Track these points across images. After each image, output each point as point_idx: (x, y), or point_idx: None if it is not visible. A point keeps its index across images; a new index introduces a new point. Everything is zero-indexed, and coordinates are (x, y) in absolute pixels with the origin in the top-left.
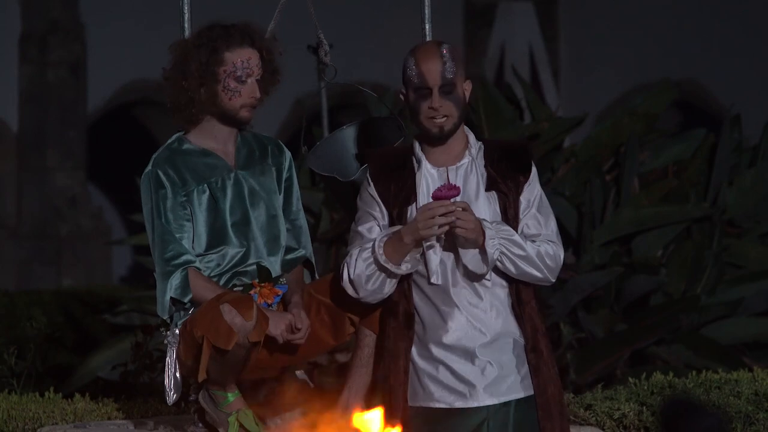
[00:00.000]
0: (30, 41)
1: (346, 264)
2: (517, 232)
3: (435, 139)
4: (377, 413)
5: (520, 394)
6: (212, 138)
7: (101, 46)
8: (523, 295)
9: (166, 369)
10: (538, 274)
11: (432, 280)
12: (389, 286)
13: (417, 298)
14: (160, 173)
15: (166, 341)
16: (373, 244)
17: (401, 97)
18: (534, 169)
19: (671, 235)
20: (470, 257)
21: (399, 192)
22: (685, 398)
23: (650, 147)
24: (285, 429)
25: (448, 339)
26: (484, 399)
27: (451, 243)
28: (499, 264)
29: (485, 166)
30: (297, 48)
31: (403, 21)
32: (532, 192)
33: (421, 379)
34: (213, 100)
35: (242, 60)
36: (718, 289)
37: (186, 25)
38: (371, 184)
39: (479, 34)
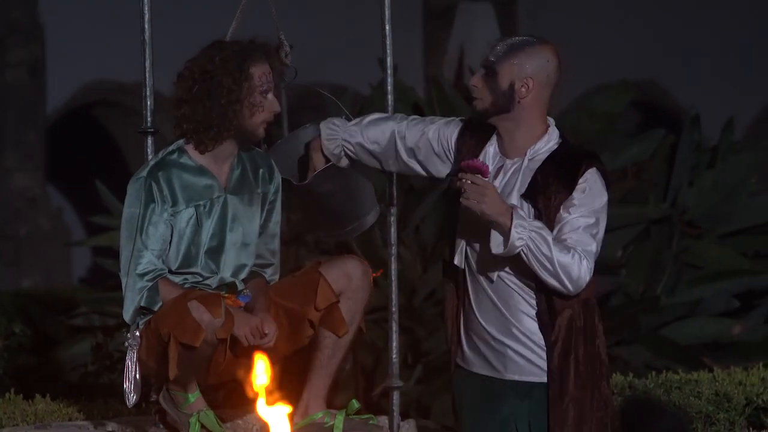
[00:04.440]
0: None
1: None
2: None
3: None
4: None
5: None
6: (213, 156)
7: (60, 47)
8: (556, 303)
9: (126, 371)
10: (552, 280)
11: (455, 262)
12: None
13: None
14: (154, 186)
15: (126, 343)
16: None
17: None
18: (585, 184)
19: (630, 236)
20: (495, 239)
21: (467, 155)
22: (646, 399)
23: (609, 148)
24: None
25: (477, 318)
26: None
27: (482, 230)
28: (523, 256)
29: (536, 171)
30: None
31: (362, 22)
32: (579, 205)
33: (464, 345)
34: (242, 115)
35: (265, 74)
36: (677, 289)
37: (146, 26)
38: (462, 128)
39: (439, 34)
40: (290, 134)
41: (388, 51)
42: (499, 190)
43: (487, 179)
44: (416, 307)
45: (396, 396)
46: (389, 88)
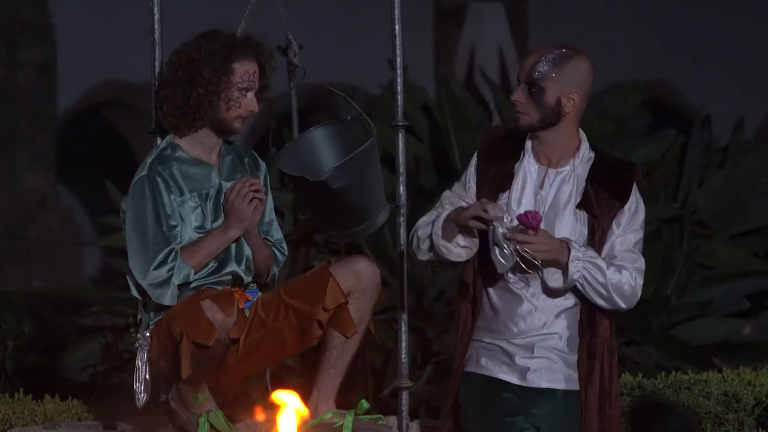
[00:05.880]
0: None
1: (417, 227)
2: (600, 255)
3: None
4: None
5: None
6: (201, 146)
7: (71, 47)
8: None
9: (136, 372)
10: (605, 304)
11: (498, 270)
12: (441, 253)
13: (492, 282)
14: (159, 180)
15: (137, 344)
16: (439, 213)
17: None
18: (635, 197)
19: None
20: (551, 273)
21: (496, 175)
22: (655, 399)
23: (620, 148)
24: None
25: (510, 328)
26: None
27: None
28: (578, 286)
29: (586, 181)
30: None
31: (373, 21)
32: (628, 220)
33: (479, 352)
34: (218, 107)
35: (248, 72)
36: (688, 289)
37: (156, 26)
38: (477, 159)
39: (449, 34)
40: (300, 135)
41: (398, 51)
42: (549, 200)
43: (537, 229)
44: (426, 307)
45: (405, 396)
46: (399, 88)
